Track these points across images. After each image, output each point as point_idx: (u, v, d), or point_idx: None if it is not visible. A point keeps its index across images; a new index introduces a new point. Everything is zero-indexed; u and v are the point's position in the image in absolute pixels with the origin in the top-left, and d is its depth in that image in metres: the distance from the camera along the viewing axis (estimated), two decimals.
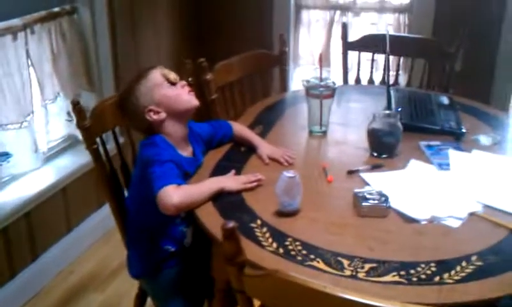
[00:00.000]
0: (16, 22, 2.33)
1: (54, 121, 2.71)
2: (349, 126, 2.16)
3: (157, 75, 1.73)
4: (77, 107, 1.74)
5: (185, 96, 1.74)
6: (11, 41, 2.32)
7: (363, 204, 1.50)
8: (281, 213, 1.51)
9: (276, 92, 2.67)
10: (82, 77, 2.74)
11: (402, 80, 3.16)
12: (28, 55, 2.43)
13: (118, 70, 2.92)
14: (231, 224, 1.02)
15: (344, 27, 2.89)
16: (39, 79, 2.53)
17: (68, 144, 2.83)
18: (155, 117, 1.70)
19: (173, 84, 1.74)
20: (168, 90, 1.72)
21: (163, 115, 1.70)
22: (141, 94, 1.70)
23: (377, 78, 2.90)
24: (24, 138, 2.44)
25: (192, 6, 3.68)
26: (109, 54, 2.85)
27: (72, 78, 2.68)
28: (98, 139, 1.82)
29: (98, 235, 2.90)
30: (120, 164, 1.93)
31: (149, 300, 1.92)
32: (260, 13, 3.63)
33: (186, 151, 1.76)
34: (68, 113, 2.74)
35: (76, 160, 2.73)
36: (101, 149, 1.83)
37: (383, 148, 1.84)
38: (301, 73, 3.72)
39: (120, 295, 2.50)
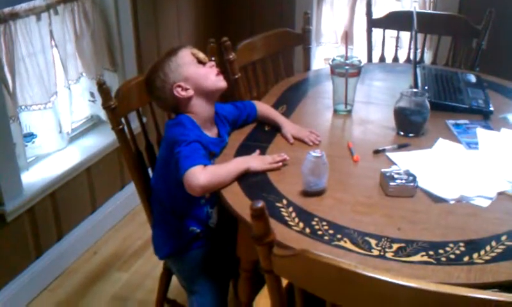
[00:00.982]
0: (39, 2, 2.33)
1: (78, 101, 2.72)
2: (374, 104, 2.14)
3: (186, 53, 1.73)
4: (103, 88, 1.73)
5: (213, 76, 1.73)
6: (35, 22, 2.32)
7: (391, 183, 1.48)
8: (307, 193, 1.50)
9: (299, 71, 2.64)
10: (105, 57, 2.74)
11: (427, 57, 3.11)
12: (52, 36, 2.43)
13: (140, 49, 2.92)
14: (260, 204, 1.01)
15: (369, 3, 2.84)
16: (62, 60, 2.53)
17: (91, 125, 2.85)
18: (182, 93, 1.69)
19: (202, 63, 1.74)
20: (197, 68, 1.72)
21: (191, 92, 1.70)
22: (170, 70, 1.69)
23: (402, 56, 2.86)
24: (49, 119, 2.46)
25: None
26: (132, 33, 2.84)
27: (94, 58, 2.68)
28: (123, 119, 1.82)
29: (122, 214, 2.93)
30: (145, 144, 1.93)
31: (174, 279, 1.94)
32: None
33: (211, 132, 1.76)
34: (91, 93, 2.75)
35: (100, 140, 2.75)
36: (126, 129, 1.83)
37: (410, 127, 1.81)
38: (323, 52, 3.68)
39: (144, 274, 2.53)
